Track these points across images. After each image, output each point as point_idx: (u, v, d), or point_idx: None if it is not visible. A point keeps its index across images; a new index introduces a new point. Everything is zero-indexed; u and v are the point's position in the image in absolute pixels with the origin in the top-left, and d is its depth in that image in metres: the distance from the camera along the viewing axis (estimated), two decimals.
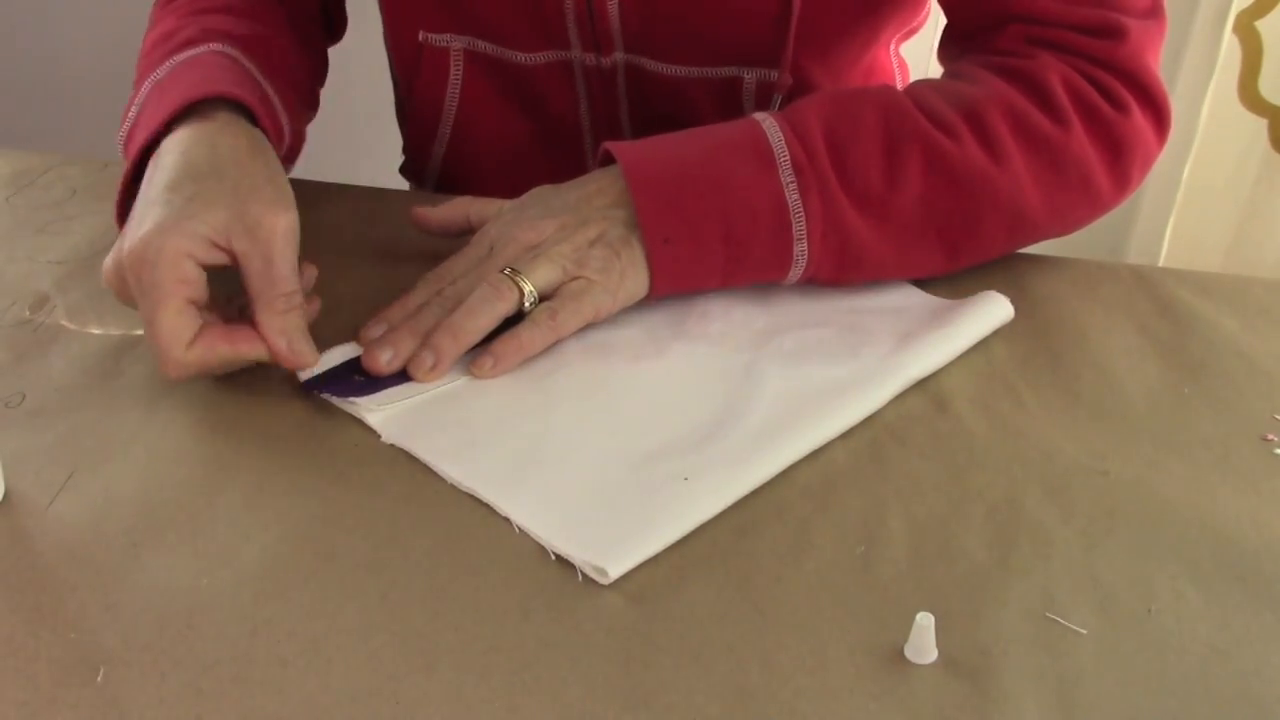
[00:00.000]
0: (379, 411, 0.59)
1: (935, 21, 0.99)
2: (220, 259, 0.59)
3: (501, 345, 0.61)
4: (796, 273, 0.66)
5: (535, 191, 0.68)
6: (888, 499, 0.55)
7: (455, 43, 0.81)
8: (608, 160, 0.68)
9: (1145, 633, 0.48)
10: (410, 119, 0.89)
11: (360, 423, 0.59)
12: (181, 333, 0.57)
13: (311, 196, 0.82)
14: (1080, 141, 0.68)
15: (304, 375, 0.61)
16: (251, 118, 0.67)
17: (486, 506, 0.54)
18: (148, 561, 0.51)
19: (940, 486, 0.56)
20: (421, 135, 0.88)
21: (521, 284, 0.61)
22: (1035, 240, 0.71)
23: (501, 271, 0.62)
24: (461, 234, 0.69)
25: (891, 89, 0.70)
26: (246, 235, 0.58)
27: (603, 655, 0.47)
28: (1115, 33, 0.70)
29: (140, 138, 0.65)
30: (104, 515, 0.53)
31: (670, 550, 0.52)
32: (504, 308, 0.61)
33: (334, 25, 0.89)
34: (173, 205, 0.58)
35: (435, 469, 0.56)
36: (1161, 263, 1.62)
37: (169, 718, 0.44)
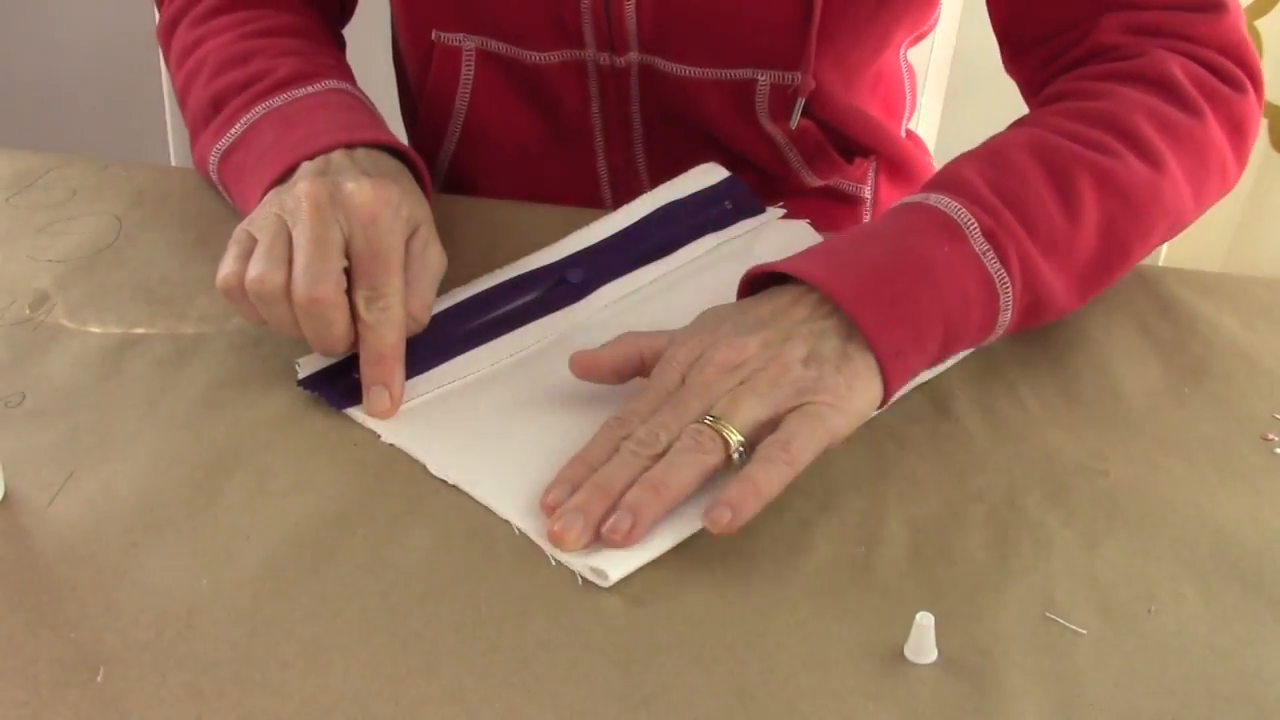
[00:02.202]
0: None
1: (942, 26, 0.99)
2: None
3: (738, 492, 0.52)
4: (992, 338, 0.62)
5: (712, 311, 0.60)
6: (888, 499, 0.55)
7: (468, 42, 0.81)
8: (750, 289, 0.62)
9: (1145, 633, 0.48)
10: (419, 118, 0.89)
11: (359, 422, 0.59)
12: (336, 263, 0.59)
13: None
14: (1214, 129, 0.68)
15: (301, 373, 0.61)
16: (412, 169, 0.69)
17: (487, 507, 0.54)
18: (148, 561, 0.51)
19: (940, 487, 0.56)
20: (430, 134, 0.88)
21: (726, 434, 0.54)
22: (1175, 236, 0.70)
23: (702, 420, 0.54)
24: (635, 375, 0.60)
25: (1020, 131, 0.67)
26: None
27: (603, 655, 0.47)
28: (1216, 6, 0.69)
29: (276, 166, 0.66)
30: (104, 515, 0.53)
31: (670, 551, 0.52)
32: (710, 461, 0.53)
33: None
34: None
35: (433, 470, 0.56)
36: (1161, 262, 1.61)
37: (169, 718, 0.44)
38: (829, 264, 0.60)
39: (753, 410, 0.55)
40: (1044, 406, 0.61)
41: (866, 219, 0.91)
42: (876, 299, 0.58)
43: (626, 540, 0.51)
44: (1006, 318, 0.61)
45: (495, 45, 0.80)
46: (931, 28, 0.89)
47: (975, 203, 0.61)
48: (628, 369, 0.59)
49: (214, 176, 0.74)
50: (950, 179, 0.63)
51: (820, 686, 0.46)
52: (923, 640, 0.47)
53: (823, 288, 0.58)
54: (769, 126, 0.81)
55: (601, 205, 0.87)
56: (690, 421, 0.54)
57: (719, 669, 0.46)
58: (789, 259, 0.60)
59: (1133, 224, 0.64)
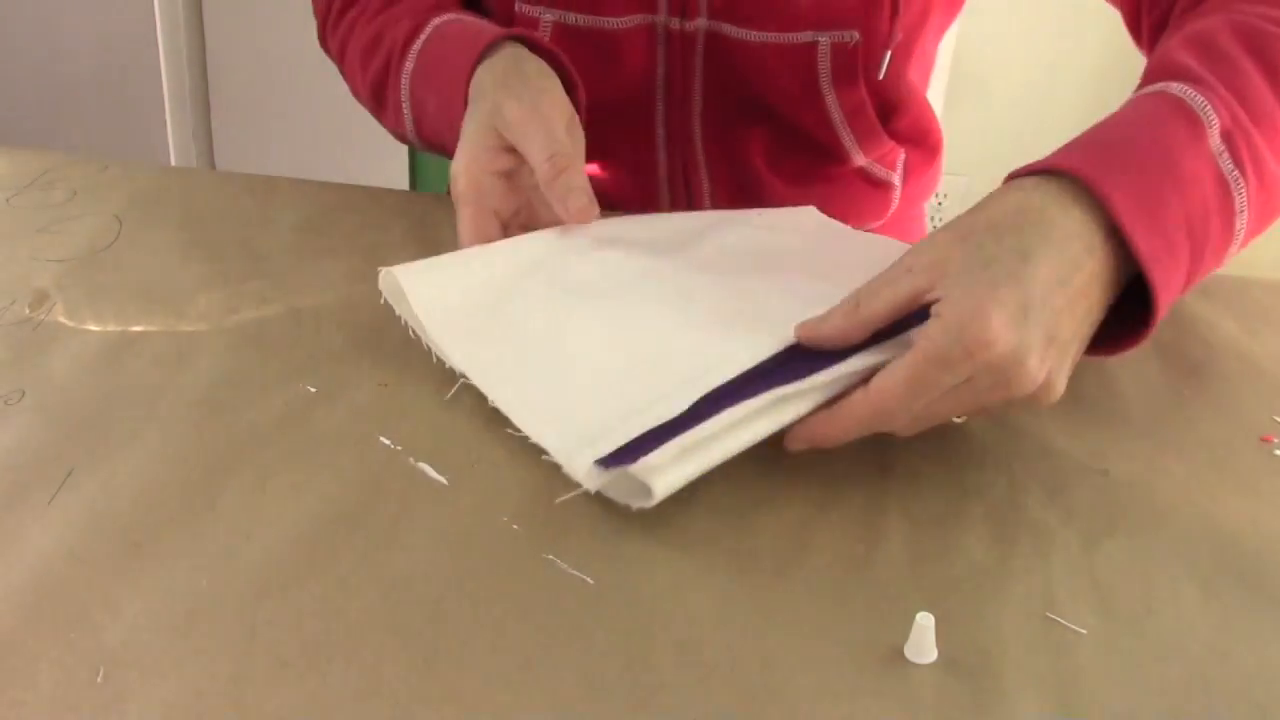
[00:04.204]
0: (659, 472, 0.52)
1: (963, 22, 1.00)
2: (511, 160, 0.69)
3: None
4: (1232, 251, 0.59)
5: (1009, 269, 0.52)
6: (888, 498, 0.55)
7: (547, 15, 0.83)
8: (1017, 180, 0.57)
9: (1145, 633, 0.48)
10: None
11: (359, 422, 0.59)
12: (469, 235, 0.68)
13: (312, 196, 0.82)
14: None
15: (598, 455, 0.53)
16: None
17: (487, 507, 0.54)
18: (148, 561, 0.50)
19: (940, 486, 0.56)
20: None
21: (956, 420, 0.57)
22: None
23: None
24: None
25: (1211, 19, 0.64)
26: (506, 131, 0.68)
27: (603, 655, 0.47)
28: None
29: (445, 110, 0.73)
30: (104, 514, 0.53)
31: (670, 550, 0.52)
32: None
33: None
34: (461, 136, 0.71)
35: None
36: None
37: (169, 718, 0.44)
38: (1136, 201, 0.54)
39: (995, 412, 0.56)
40: None
41: (894, 206, 0.94)
42: (1172, 270, 0.54)
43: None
44: (1243, 222, 0.57)
45: (573, 18, 0.83)
46: (954, 16, 0.91)
47: (1216, 96, 0.57)
48: (855, 334, 0.56)
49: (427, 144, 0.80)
50: (1178, 68, 0.60)
51: (820, 686, 0.46)
52: (923, 640, 0.47)
53: (1142, 252, 0.53)
54: (828, 95, 0.82)
55: (654, 170, 0.90)
56: (939, 419, 0.54)
57: (719, 669, 0.46)
58: (1095, 173, 0.54)
59: None
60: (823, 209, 0.78)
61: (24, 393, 0.61)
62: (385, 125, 0.83)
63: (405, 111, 0.78)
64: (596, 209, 0.67)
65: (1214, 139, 0.56)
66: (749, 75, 0.83)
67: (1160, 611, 0.50)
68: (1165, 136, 0.56)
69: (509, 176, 0.70)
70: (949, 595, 0.50)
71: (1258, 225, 0.60)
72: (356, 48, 0.83)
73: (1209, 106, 0.57)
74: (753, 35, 0.81)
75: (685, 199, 0.92)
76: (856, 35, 0.80)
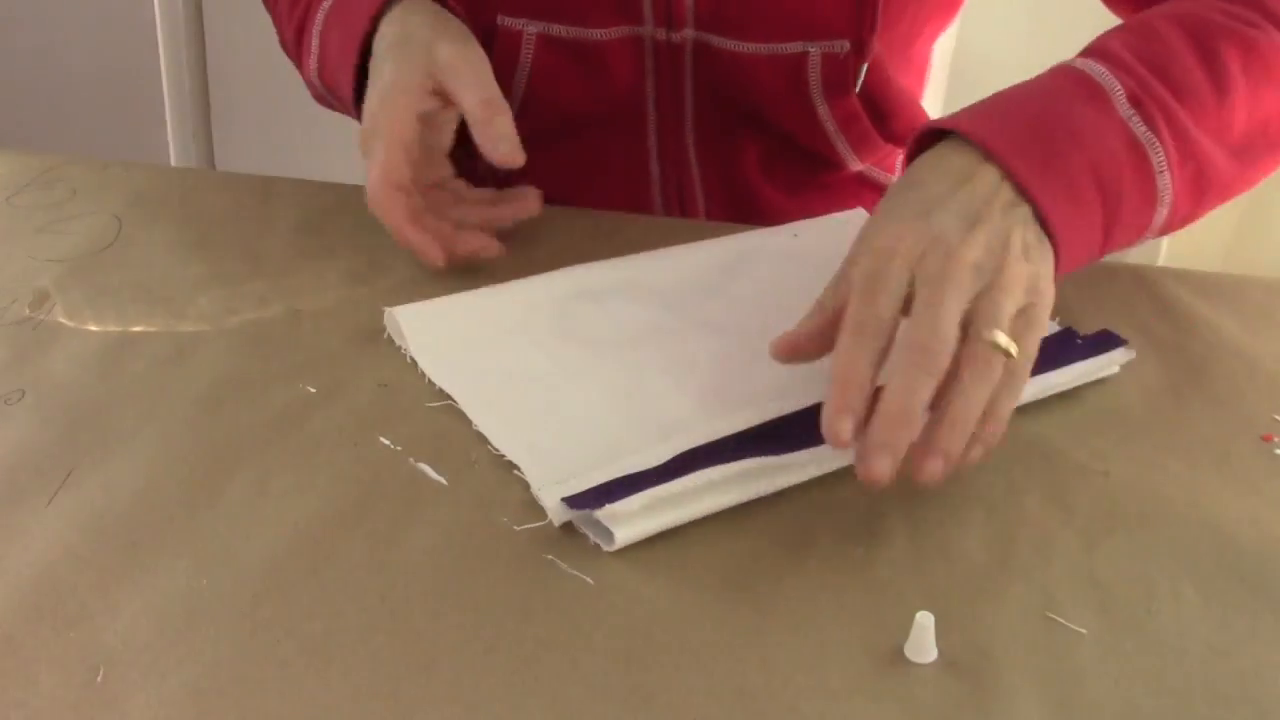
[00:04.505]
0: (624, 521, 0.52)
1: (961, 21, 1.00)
2: (434, 103, 0.69)
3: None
4: (1162, 213, 0.61)
5: (896, 200, 0.57)
6: (888, 499, 0.55)
7: (530, 27, 0.82)
8: (924, 139, 0.60)
9: (1145, 633, 0.48)
10: None
11: (359, 422, 0.59)
12: (383, 172, 0.68)
13: (312, 197, 0.82)
14: None
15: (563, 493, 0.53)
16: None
17: (487, 506, 0.54)
18: (148, 561, 0.51)
19: (940, 487, 0.56)
20: None
21: (1006, 348, 0.52)
22: None
23: (982, 339, 0.52)
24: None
25: (1166, 5, 0.67)
26: (439, 72, 0.68)
27: (603, 655, 0.47)
28: None
29: (346, 53, 0.74)
30: (104, 514, 0.53)
31: (670, 551, 0.52)
32: (994, 383, 0.52)
33: None
34: (382, 76, 0.70)
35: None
36: (1161, 262, 1.61)
37: (169, 718, 0.44)
38: (999, 127, 0.58)
39: (1009, 314, 0.53)
40: (1044, 406, 0.61)
41: None
42: (1049, 172, 0.57)
43: (939, 483, 0.51)
44: (1166, 182, 0.59)
45: (557, 29, 0.82)
46: (952, 18, 0.91)
47: (1120, 68, 0.60)
48: (831, 329, 0.55)
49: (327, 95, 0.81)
50: (1095, 48, 0.63)
51: (820, 686, 0.46)
52: (923, 640, 0.47)
53: (1000, 153, 0.56)
54: (820, 106, 0.82)
55: (648, 183, 0.89)
56: (953, 324, 0.51)
57: (719, 669, 0.46)
58: (964, 116, 0.59)
59: (1276, 94, 0.64)
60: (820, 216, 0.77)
61: (24, 393, 0.61)
62: (302, 76, 0.82)
63: (313, 52, 0.78)
64: (523, 156, 0.68)
65: (1120, 104, 0.59)
66: (739, 86, 0.83)
67: (1160, 611, 0.50)
68: (1055, 96, 0.60)
69: (424, 122, 0.70)
70: (949, 595, 0.50)
71: (1193, 200, 0.62)
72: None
73: (1109, 75, 0.60)
74: (741, 46, 0.80)
75: (679, 211, 0.91)
76: (847, 45, 0.79)
